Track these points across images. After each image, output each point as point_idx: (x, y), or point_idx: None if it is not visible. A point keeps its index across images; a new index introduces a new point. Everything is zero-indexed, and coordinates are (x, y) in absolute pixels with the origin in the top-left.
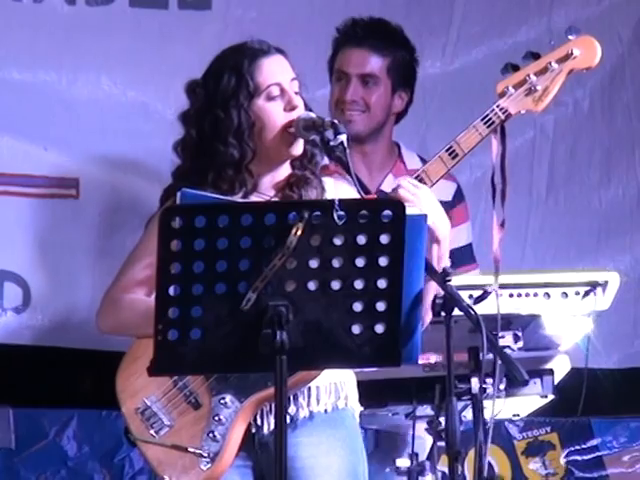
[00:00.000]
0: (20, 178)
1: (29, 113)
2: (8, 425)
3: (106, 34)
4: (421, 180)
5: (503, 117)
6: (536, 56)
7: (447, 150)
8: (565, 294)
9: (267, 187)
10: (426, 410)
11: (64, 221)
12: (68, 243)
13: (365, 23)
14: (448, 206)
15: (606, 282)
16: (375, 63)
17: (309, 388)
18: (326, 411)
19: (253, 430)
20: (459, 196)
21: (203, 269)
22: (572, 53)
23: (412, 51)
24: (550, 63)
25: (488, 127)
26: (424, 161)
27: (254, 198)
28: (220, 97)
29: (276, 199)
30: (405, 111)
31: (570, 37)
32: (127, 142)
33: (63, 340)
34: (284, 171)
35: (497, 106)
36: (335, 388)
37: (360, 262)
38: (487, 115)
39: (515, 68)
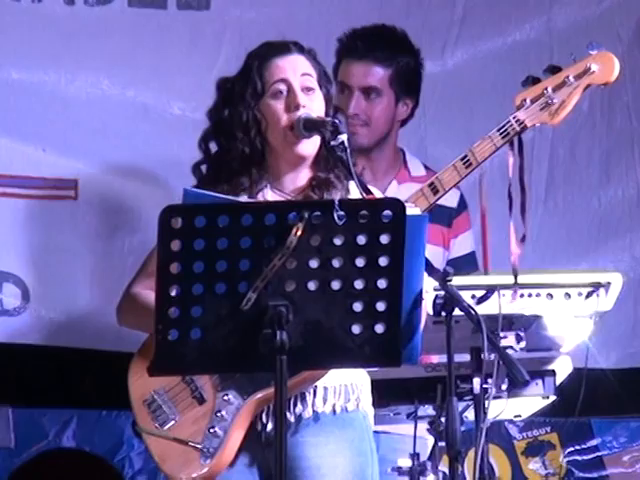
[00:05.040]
0: (18, 179)
1: (27, 114)
2: (8, 425)
3: (105, 34)
4: (434, 187)
5: (519, 129)
6: (556, 69)
7: (462, 159)
8: (568, 295)
9: (289, 187)
10: (428, 410)
11: (63, 222)
12: (67, 244)
13: (366, 33)
14: (453, 212)
15: (609, 283)
16: (377, 75)
17: (315, 387)
18: (335, 412)
19: (259, 428)
20: (463, 203)
21: (203, 269)
22: (590, 68)
23: (417, 55)
24: (568, 77)
25: (503, 138)
26: (428, 169)
27: (276, 197)
28: (232, 96)
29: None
30: (411, 115)
31: (590, 52)
32: (126, 143)
33: (62, 341)
34: (306, 172)
35: (513, 117)
36: (346, 390)
37: (360, 262)
38: (503, 126)
39: (536, 81)
